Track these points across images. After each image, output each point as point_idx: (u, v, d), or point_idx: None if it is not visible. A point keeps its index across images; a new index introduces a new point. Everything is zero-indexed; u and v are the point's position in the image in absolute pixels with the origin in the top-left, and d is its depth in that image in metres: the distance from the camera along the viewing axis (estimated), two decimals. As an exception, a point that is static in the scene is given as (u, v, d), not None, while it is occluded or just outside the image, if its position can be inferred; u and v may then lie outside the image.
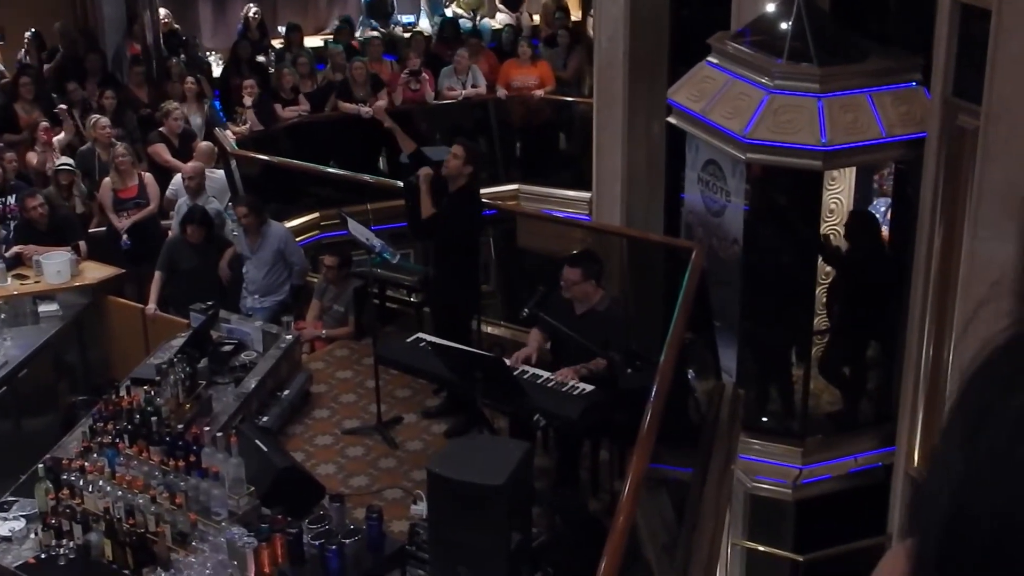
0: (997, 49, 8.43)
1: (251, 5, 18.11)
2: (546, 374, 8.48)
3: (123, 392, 8.62)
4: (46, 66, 16.47)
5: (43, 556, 7.36)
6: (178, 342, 9.55)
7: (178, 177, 12.62)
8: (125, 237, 12.48)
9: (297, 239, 12.95)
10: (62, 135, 13.72)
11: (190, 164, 12.53)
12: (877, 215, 10.88)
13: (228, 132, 14.11)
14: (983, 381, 0.88)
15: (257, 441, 8.07)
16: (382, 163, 15.03)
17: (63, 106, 14.16)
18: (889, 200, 10.92)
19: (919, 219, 9.67)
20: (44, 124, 13.60)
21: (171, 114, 13.83)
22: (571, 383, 8.30)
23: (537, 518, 7.58)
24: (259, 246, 10.91)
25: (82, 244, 11.87)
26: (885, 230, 10.84)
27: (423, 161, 9.90)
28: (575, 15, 18.96)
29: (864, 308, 10.86)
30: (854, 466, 10.79)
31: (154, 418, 8.01)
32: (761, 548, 11.17)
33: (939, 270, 9.45)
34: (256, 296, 10.94)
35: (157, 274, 11.27)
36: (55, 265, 11.21)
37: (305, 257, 11.48)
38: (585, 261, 8.87)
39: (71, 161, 12.86)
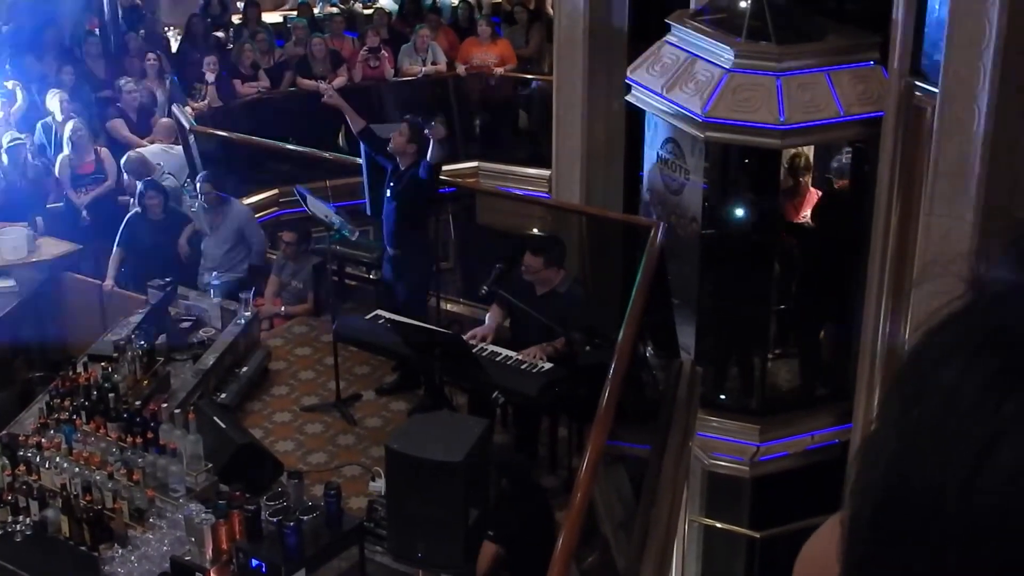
0: (953, 29, 8.49)
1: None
2: (505, 351, 8.49)
3: (80, 368, 8.60)
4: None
5: (-1, 533, 7.34)
6: (136, 318, 9.50)
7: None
8: (84, 213, 12.41)
9: (256, 215, 12.91)
10: (14, 108, 13.61)
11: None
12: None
13: (187, 108, 14.02)
14: (919, 357, 0.91)
15: (215, 418, 8.06)
16: (341, 140, 14.97)
17: (15, 81, 14.05)
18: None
19: (876, 197, 9.73)
20: (-1, 100, 13.50)
21: (123, 88, 13.75)
22: (530, 360, 8.32)
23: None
24: (220, 224, 10.85)
25: (39, 219, 11.79)
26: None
27: (373, 139, 9.82)
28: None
29: (821, 286, 10.93)
30: (811, 443, 10.86)
31: (111, 394, 7.99)
32: (718, 525, 11.24)
33: (896, 247, 9.52)
34: (214, 272, 10.88)
35: (116, 250, 11.20)
36: (12, 240, 11.12)
37: (264, 238, 11.42)
38: (548, 249, 8.84)
39: (21, 136, 12.76)
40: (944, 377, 0.87)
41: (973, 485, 0.82)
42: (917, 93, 9.13)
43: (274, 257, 11.30)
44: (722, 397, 11.04)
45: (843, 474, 10.46)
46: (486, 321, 9.00)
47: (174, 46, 17.36)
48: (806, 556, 1.03)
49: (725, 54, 10.11)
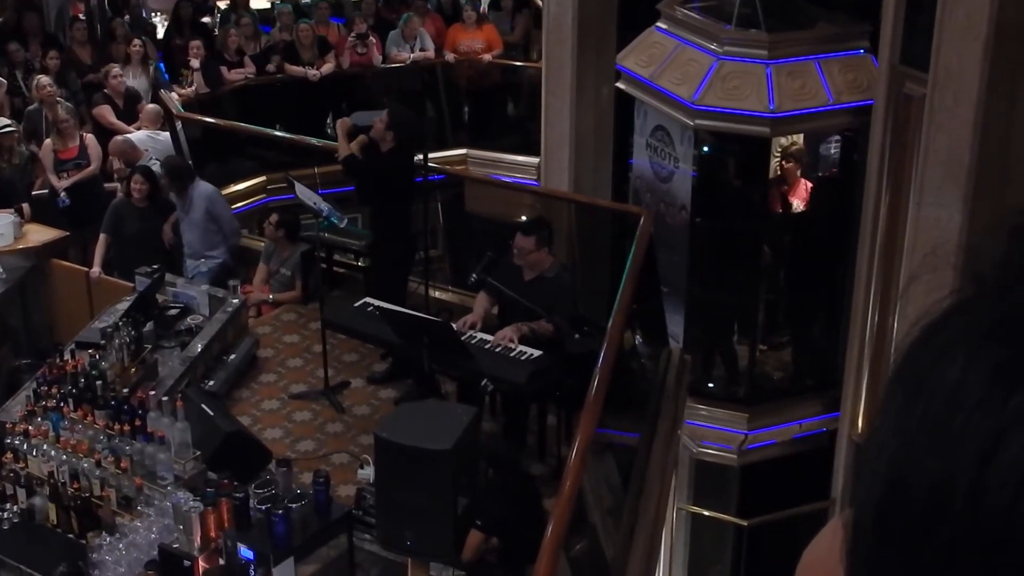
0: (943, 17, 8.48)
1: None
2: (492, 338, 8.48)
3: (67, 356, 8.57)
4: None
5: (-14, 520, 7.31)
6: (123, 306, 9.47)
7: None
8: (63, 195, 12.35)
9: (244, 203, 12.86)
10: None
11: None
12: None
13: (173, 94, 13.97)
14: (919, 352, 0.89)
15: (203, 405, 8.04)
16: (329, 127, 14.94)
17: None
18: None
19: (865, 186, 9.73)
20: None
21: (110, 73, 13.70)
22: (518, 348, 8.31)
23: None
24: (188, 207, 10.79)
25: (25, 206, 11.74)
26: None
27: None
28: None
29: (810, 275, 10.93)
30: (798, 431, 10.88)
31: (99, 382, 7.96)
32: (706, 513, 11.25)
33: (885, 236, 9.52)
34: (195, 259, 10.84)
35: (102, 237, 11.15)
36: (-3, 227, 11.08)
37: (234, 217, 11.34)
38: (538, 229, 8.85)
39: (8, 122, 12.70)
40: (947, 371, 0.85)
41: (982, 482, 0.80)
42: (907, 81, 9.12)
43: (263, 244, 11.26)
44: (710, 385, 11.05)
45: (831, 463, 10.50)
46: (474, 309, 8.99)
47: (160, 32, 17.33)
48: (808, 561, 1.01)
49: (715, 42, 10.09)
